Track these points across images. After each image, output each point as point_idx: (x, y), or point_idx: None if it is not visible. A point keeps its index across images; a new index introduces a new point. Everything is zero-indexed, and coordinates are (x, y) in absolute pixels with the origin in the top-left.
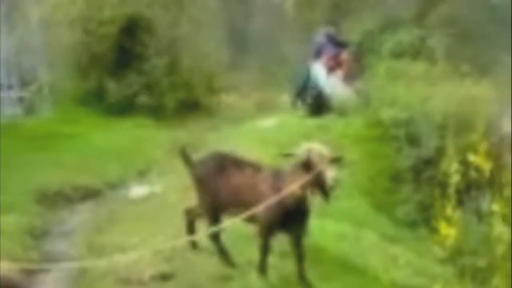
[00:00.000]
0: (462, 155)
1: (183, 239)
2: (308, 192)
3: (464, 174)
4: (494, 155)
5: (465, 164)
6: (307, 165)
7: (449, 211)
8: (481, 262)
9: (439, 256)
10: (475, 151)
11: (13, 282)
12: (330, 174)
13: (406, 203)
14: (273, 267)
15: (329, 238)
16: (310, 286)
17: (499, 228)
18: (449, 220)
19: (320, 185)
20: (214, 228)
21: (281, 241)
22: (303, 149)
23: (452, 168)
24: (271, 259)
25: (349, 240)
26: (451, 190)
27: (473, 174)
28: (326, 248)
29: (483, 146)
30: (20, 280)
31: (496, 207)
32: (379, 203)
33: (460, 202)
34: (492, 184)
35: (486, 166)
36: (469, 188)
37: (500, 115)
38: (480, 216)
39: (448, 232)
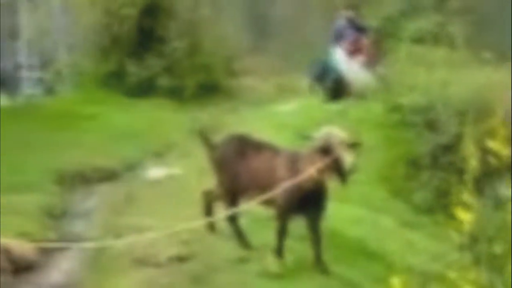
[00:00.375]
0: (480, 140)
1: (201, 221)
2: (326, 176)
3: (482, 160)
4: None
5: (483, 150)
6: (325, 149)
7: (466, 196)
8: (497, 249)
9: (456, 242)
10: (494, 136)
11: (30, 260)
12: (348, 159)
13: (424, 189)
14: (290, 251)
15: (346, 222)
16: (327, 269)
17: None
18: (466, 206)
19: (337, 169)
20: (232, 211)
21: (298, 225)
22: (322, 132)
23: (469, 153)
24: (288, 243)
25: (367, 225)
26: (469, 176)
27: (491, 160)
28: (343, 233)
29: (502, 132)
30: (37, 258)
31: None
32: (397, 189)
33: (478, 189)
34: (509, 170)
35: (505, 152)
36: (487, 175)
37: None
38: (498, 202)
39: (465, 217)
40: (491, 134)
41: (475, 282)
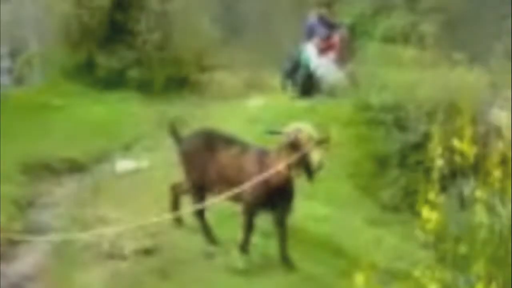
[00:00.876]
0: (448, 140)
1: (168, 215)
2: (293, 172)
3: (449, 160)
4: (481, 143)
5: (450, 150)
6: (294, 145)
7: (432, 195)
8: (462, 249)
9: (421, 241)
10: (460, 136)
11: None
12: (316, 155)
13: (392, 187)
14: (256, 246)
15: (313, 219)
16: (292, 266)
17: (481, 215)
18: (431, 205)
19: (305, 165)
20: (199, 206)
21: (264, 221)
22: (291, 128)
23: (436, 153)
24: (254, 239)
25: (333, 222)
26: (435, 175)
27: (457, 159)
28: (310, 229)
29: (468, 132)
30: (3, 249)
31: (479, 193)
32: (365, 186)
33: (444, 189)
34: (477, 170)
35: (471, 152)
36: (454, 175)
37: (490, 103)
38: (463, 202)
39: (430, 216)
40: (458, 134)
41: (439, 280)
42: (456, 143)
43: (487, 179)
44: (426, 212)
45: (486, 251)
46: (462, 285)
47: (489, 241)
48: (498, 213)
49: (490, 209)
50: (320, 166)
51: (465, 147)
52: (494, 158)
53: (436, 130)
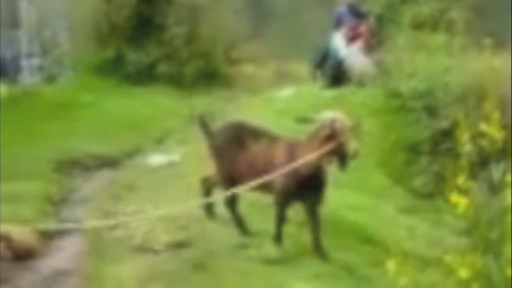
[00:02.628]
0: (477, 126)
1: (197, 202)
2: (326, 161)
3: (478, 145)
4: (510, 128)
5: (479, 135)
6: (330, 134)
7: (461, 181)
8: (493, 234)
9: (453, 227)
10: (488, 121)
11: (31, 247)
12: (353, 144)
13: (423, 174)
14: (289, 237)
15: (345, 208)
16: (325, 255)
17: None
18: (461, 190)
19: (340, 154)
20: (228, 193)
21: (297, 211)
22: (325, 117)
23: (464, 138)
24: (287, 229)
25: (365, 211)
26: (464, 161)
27: (485, 144)
28: (342, 219)
29: (496, 116)
30: (37, 245)
31: (509, 178)
32: (396, 174)
33: (475, 175)
34: (506, 155)
35: (499, 136)
36: (484, 160)
37: None
38: (493, 187)
39: (459, 201)
40: (486, 118)
41: (470, 265)
42: (484, 127)
43: None
44: (455, 197)
45: None
46: (495, 270)
47: None
48: None
49: None
50: (356, 154)
51: (493, 131)
52: None
53: (463, 116)
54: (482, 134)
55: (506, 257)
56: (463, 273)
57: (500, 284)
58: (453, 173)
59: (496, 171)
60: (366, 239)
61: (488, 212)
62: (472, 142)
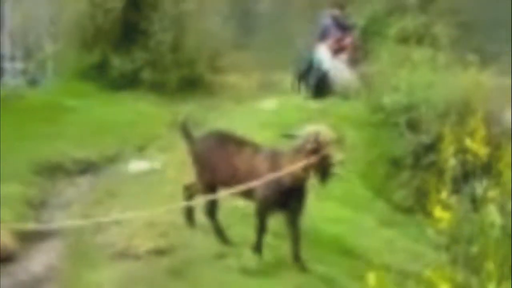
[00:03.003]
0: (460, 141)
1: (177, 205)
2: (309, 174)
3: (462, 160)
4: (494, 144)
5: (463, 151)
6: (314, 148)
7: (444, 195)
8: (474, 249)
9: (434, 242)
10: (472, 137)
11: (9, 251)
12: (338, 156)
13: (405, 188)
14: (269, 247)
15: (326, 220)
16: (305, 267)
17: (493, 215)
18: (443, 205)
19: (323, 167)
20: (208, 197)
21: (277, 222)
22: (309, 131)
23: (448, 153)
24: (267, 239)
25: (346, 223)
26: (447, 175)
27: (470, 159)
28: (323, 231)
29: (480, 132)
30: (16, 249)
31: (491, 194)
32: (378, 188)
33: (457, 191)
34: (489, 171)
35: (483, 152)
36: (467, 176)
37: (502, 105)
38: (475, 202)
39: (442, 216)
40: (470, 134)
41: (451, 280)
42: (468, 143)
43: (500, 180)
44: (438, 212)
45: (498, 251)
46: (474, 284)
47: (501, 241)
48: (510, 213)
49: (502, 209)
50: (341, 166)
51: (477, 147)
52: (506, 158)
53: (448, 130)
54: (465, 150)
55: (486, 273)
56: (443, 287)
57: None
58: (435, 188)
59: (478, 187)
60: (346, 252)
61: (470, 227)
62: (455, 157)
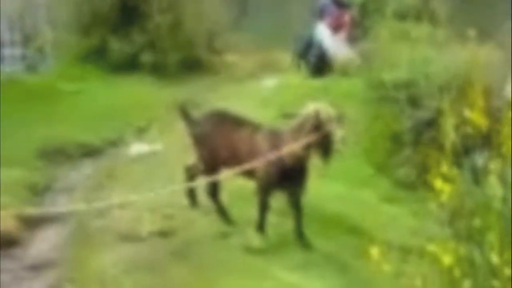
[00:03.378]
0: (460, 115)
1: (179, 186)
2: (310, 152)
3: (463, 134)
4: (494, 117)
5: (463, 124)
6: (315, 125)
7: (444, 168)
8: (477, 222)
9: (436, 217)
10: (472, 108)
11: (13, 235)
12: (339, 133)
13: (406, 164)
14: (271, 225)
15: (328, 197)
16: (308, 244)
17: (495, 187)
18: (444, 177)
19: (325, 144)
20: (210, 179)
21: (280, 200)
22: (310, 109)
23: (448, 125)
24: (270, 218)
25: (348, 200)
26: (447, 147)
27: (469, 130)
28: (325, 208)
29: (480, 103)
30: (20, 234)
31: (493, 165)
32: (379, 164)
33: (459, 165)
34: (490, 144)
35: (483, 123)
36: (467, 149)
37: (502, 79)
38: (476, 175)
39: (443, 189)
40: (470, 106)
41: (453, 253)
42: (468, 113)
43: (500, 151)
44: (438, 184)
45: (499, 223)
46: (477, 257)
47: (502, 212)
48: (511, 184)
49: (503, 181)
50: (344, 142)
51: (477, 117)
52: (506, 130)
53: (448, 103)
54: (465, 122)
55: (489, 245)
56: (446, 260)
57: (483, 269)
58: (436, 161)
59: (479, 159)
60: (349, 228)
61: (471, 200)
62: (456, 130)
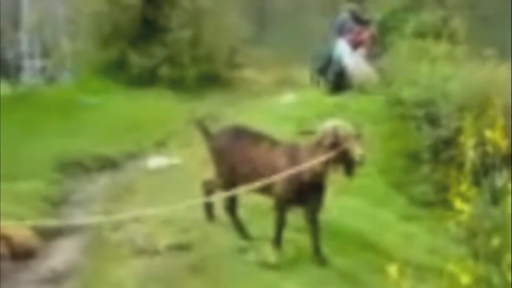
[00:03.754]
0: (480, 134)
1: (195, 201)
2: (330, 168)
3: (482, 153)
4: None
5: (483, 143)
6: (333, 142)
7: (464, 187)
8: (495, 242)
9: (453, 235)
10: (492, 127)
11: (30, 247)
12: (358, 150)
13: (424, 182)
14: (289, 241)
15: (346, 214)
16: (325, 261)
17: None
18: (463, 197)
19: (345, 161)
20: (228, 195)
21: (297, 216)
22: (329, 126)
23: (468, 144)
24: (287, 234)
25: (366, 218)
26: (467, 166)
27: (489, 150)
28: (343, 225)
29: (500, 122)
30: (37, 245)
31: (509, 185)
32: (397, 182)
33: (477, 182)
34: (509, 163)
35: (503, 143)
36: (486, 168)
37: None
38: (495, 194)
39: (462, 208)
40: (490, 125)
41: (472, 273)
42: (488, 133)
43: None
44: (458, 204)
45: None
46: (496, 277)
47: None
48: None
49: None
50: (363, 160)
51: (497, 137)
52: None
53: (468, 122)
54: (484, 142)
55: (506, 264)
56: (464, 279)
57: None
58: (456, 180)
59: (499, 179)
60: (366, 246)
61: (490, 220)
62: (475, 149)
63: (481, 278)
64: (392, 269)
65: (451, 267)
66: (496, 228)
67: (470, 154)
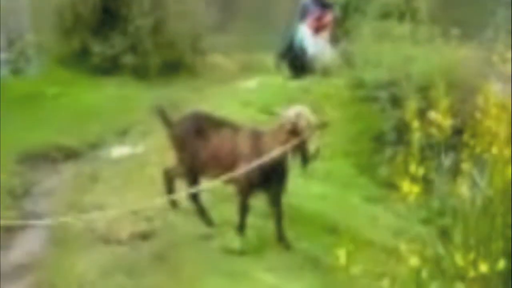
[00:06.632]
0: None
1: (163, 198)
2: (289, 155)
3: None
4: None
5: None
6: (293, 130)
7: (412, 168)
8: (447, 221)
9: (418, 216)
10: (436, 108)
11: None
12: (314, 143)
13: (388, 164)
14: (252, 227)
15: (310, 198)
16: (289, 245)
17: (465, 187)
18: (412, 178)
19: (302, 151)
20: (193, 190)
21: (260, 202)
22: (292, 112)
23: (413, 125)
24: (251, 219)
25: (330, 201)
26: (414, 147)
27: (433, 131)
28: (307, 208)
29: (444, 103)
30: None
31: (464, 166)
32: (362, 164)
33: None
34: (458, 143)
35: (446, 124)
36: (446, 149)
37: (486, 77)
38: (442, 174)
39: (411, 189)
40: (434, 106)
41: (420, 254)
42: (431, 114)
43: (473, 152)
44: (406, 185)
45: (467, 223)
46: (444, 257)
47: (469, 214)
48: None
49: (473, 181)
50: (317, 154)
51: (441, 118)
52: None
53: (413, 103)
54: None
55: (454, 245)
56: (413, 261)
57: (449, 270)
58: (404, 160)
59: (445, 160)
60: (330, 229)
61: (440, 200)
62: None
63: (429, 259)
64: (341, 252)
65: (402, 248)
66: (448, 208)
67: (416, 135)
